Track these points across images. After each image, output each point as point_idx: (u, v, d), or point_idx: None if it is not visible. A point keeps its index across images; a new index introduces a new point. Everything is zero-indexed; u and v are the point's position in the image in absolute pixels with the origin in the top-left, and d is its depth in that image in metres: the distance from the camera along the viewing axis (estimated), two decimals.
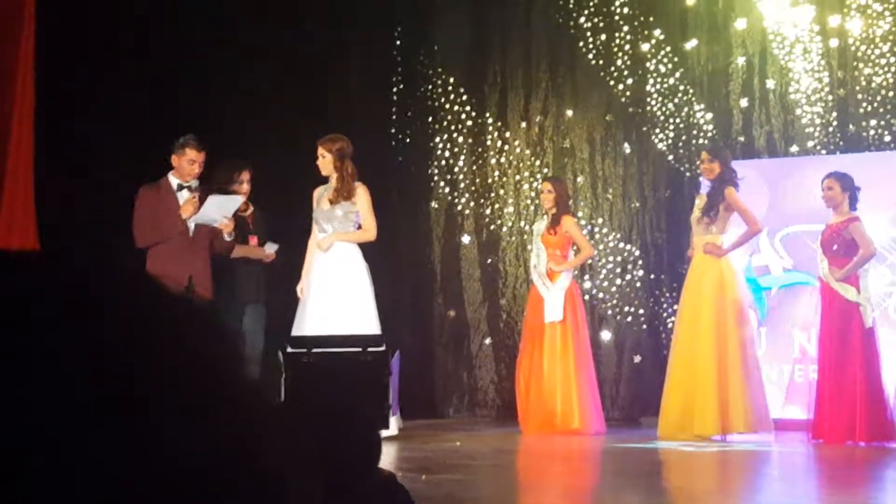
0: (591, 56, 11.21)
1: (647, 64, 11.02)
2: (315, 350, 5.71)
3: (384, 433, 7.04)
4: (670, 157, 10.96)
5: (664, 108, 10.97)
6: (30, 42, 7.65)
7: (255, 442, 0.69)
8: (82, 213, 8.71)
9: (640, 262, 11.04)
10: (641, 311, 10.98)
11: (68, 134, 8.89)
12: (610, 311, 11.07)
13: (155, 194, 7.90)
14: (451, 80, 11.68)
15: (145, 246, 7.82)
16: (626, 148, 11.14)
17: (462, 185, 11.65)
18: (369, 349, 5.66)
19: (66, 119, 8.92)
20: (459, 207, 11.65)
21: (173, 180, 7.93)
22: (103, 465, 0.62)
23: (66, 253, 0.70)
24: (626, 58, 11.11)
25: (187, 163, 7.88)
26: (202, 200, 7.87)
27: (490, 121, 11.59)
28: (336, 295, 8.27)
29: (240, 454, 0.67)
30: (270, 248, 8.73)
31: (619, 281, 11.07)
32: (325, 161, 8.50)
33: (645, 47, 11.04)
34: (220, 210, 7.90)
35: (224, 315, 7.65)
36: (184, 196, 7.89)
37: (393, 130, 11.91)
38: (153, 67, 9.43)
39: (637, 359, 10.94)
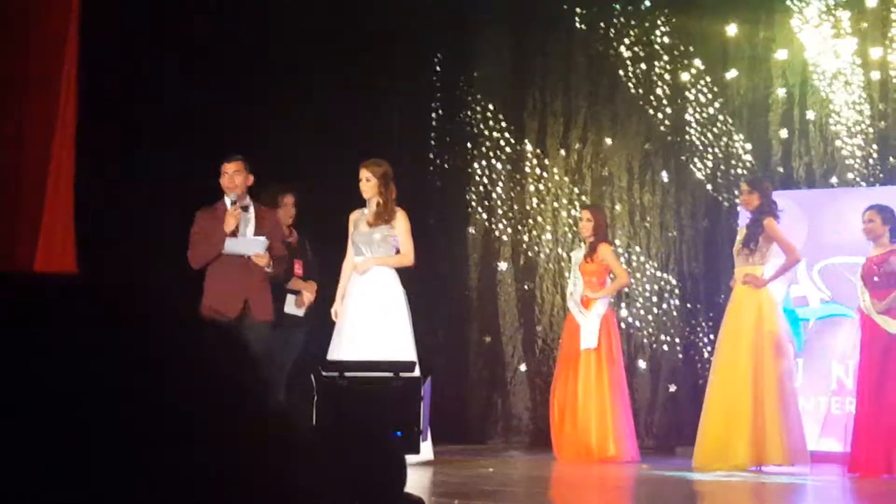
0: (630, 85, 11.21)
1: (687, 93, 11.01)
2: (346, 374, 5.72)
3: (416, 458, 7.03)
4: (709, 187, 10.93)
5: (703, 138, 10.95)
6: (72, 65, 7.73)
7: (283, 465, 0.71)
8: (121, 235, 8.78)
9: (676, 291, 11.00)
10: (677, 340, 10.94)
11: (109, 154, 8.97)
12: (646, 340, 11.03)
13: (211, 216, 7.85)
14: (491, 106, 11.72)
15: (198, 266, 7.76)
16: (665, 177, 11.13)
17: (500, 211, 11.66)
18: (401, 374, 5.67)
19: (107, 138, 9.00)
20: (497, 233, 11.66)
21: (227, 200, 7.89)
22: (134, 489, 0.64)
23: (99, 277, 0.73)
24: (665, 87, 11.11)
25: (222, 176, 7.85)
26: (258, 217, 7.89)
27: (529, 148, 11.61)
28: (373, 320, 8.25)
29: (269, 477, 0.69)
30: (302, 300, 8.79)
31: (655, 310, 11.03)
32: (370, 184, 8.45)
33: (685, 77, 11.04)
34: (244, 248, 7.80)
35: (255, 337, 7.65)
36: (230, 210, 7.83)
37: (431, 156, 11.94)
38: (196, 88, 9.51)
39: (672, 388, 10.89)
